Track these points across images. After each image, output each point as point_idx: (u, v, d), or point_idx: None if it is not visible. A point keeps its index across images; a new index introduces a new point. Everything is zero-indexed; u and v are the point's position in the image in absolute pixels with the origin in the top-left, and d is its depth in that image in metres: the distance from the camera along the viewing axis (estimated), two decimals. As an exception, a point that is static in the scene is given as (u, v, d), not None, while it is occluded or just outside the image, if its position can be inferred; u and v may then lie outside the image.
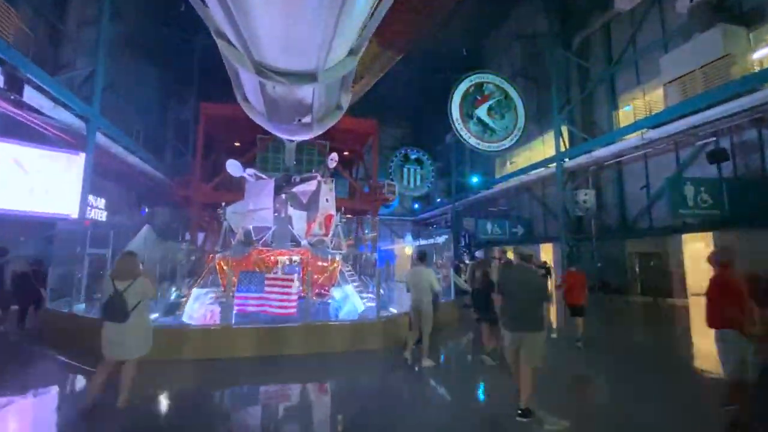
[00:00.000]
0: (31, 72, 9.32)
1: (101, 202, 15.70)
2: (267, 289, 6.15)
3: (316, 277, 10.55)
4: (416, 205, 35.67)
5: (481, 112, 16.24)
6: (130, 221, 18.47)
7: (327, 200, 11.25)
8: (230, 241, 10.93)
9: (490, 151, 16.61)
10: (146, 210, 21.42)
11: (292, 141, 10.02)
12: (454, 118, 15.93)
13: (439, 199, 31.19)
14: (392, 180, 24.67)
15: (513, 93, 16.74)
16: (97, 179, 15.63)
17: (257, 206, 10.70)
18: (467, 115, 16.02)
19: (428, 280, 6.01)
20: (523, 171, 19.03)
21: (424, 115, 32.04)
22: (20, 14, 11.22)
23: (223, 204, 11.50)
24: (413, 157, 28.17)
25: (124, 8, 18.24)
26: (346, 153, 27.87)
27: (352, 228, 34.38)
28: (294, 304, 6.21)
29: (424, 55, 24.39)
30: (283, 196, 10.47)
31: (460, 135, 15.98)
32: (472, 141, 16.05)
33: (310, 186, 11.02)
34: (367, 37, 3.41)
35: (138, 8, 19.36)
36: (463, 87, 16.18)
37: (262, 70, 3.47)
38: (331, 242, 11.81)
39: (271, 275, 6.37)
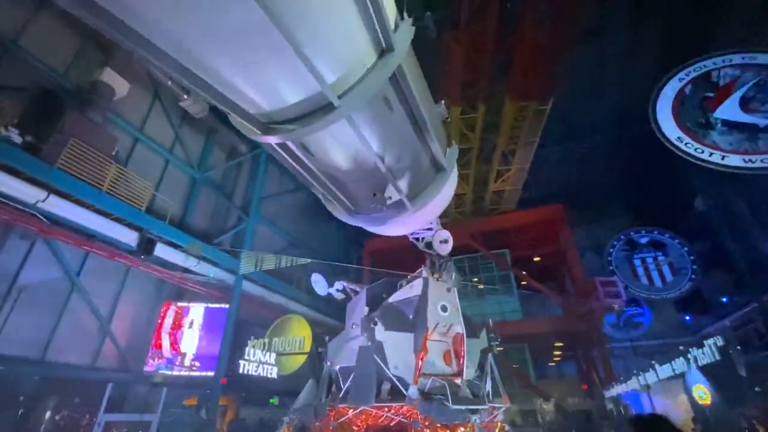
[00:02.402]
0: (166, 233, 10.46)
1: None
2: None
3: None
4: (687, 317, 22.88)
5: (728, 111, 8.69)
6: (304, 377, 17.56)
7: (444, 309, 6.64)
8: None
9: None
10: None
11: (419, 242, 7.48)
12: (673, 140, 8.93)
13: (724, 299, 18.54)
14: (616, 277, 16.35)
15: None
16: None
17: (353, 334, 7.22)
18: (698, 125, 8.81)
19: None
20: None
21: (640, 192, 23.46)
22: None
23: (327, 339, 8.38)
24: (644, 241, 18.75)
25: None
26: (536, 259, 21.58)
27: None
28: None
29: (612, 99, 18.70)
30: (369, 313, 6.70)
31: (699, 158, 8.47)
32: (731, 160, 8.21)
33: (412, 290, 6.90)
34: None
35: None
36: (672, 88, 9.44)
37: (269, 127, 3.01)
38: (483, 388, 6.57)
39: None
